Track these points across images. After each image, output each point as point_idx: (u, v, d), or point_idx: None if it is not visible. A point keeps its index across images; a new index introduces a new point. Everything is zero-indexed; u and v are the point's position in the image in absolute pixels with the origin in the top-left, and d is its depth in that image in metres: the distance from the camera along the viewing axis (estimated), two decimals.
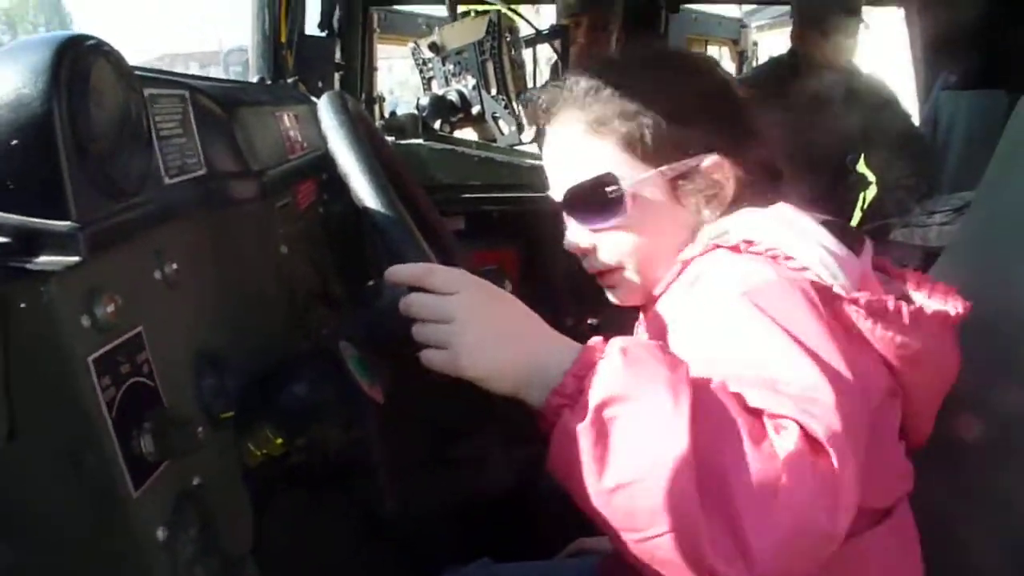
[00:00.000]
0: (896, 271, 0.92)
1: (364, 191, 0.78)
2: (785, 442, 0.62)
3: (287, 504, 0.91)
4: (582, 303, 1.86)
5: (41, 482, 0.58)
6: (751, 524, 0.60)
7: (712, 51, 4.07)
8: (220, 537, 0.69)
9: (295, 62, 1.68)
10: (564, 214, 0.93)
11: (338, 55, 2.30)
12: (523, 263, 1.90)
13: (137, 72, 0.68)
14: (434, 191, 1.64)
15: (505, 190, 1.86)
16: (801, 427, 0.63)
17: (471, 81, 2.13)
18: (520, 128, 2.11)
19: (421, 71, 2.24)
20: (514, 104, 2.13)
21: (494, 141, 2.13)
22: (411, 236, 0.77)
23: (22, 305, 0.54)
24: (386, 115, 2.56)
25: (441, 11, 2.42)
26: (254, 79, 1.59)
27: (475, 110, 2.12)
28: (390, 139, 1.81)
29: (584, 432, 0.65)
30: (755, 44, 4.50)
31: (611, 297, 0.96)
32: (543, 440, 0.70)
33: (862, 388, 0.70)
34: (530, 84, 2.29)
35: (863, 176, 2.75)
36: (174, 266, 0.69)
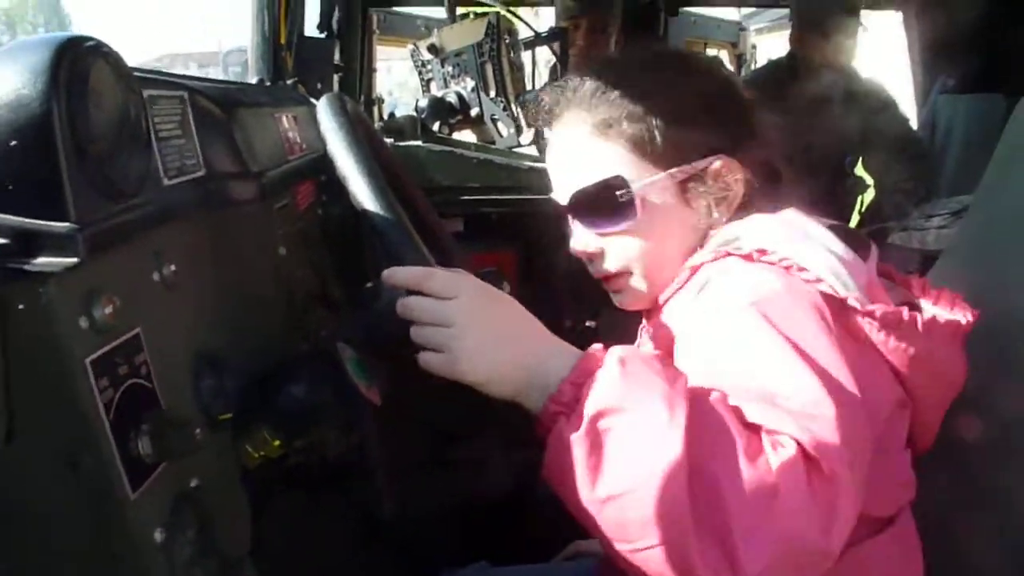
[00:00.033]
0: (900, 277, 0.91)
1: (363, 193, 0.78)
2: (781, 458, 0.62)
3: (285, 506, 0.91)
4: (581, 305, 1.86)
5: (39, 483, 0.57)
6: (741, 539, 0.60)
7: (710, 54, 4.07)
8: (218, 539, 0.69)
9: (294, 63, 1.68)
10: (569, 218, 0.91)
11: (337, 57, 2.30)
12: (522, 265, 1.90)
13: (136, 73, 0.68)
14: (433, 193, 1.64)
15: (504, 192, 1.86)
16: (798, 443, 0.63)
17: (470, 83, 2.13)
18: (519, 130, 2.11)
19: (420, 73, 2.24)
20: (513, 106, 2.13)
21: (493, 143, 2.13)
22: (410, 238, 0.77)
23: (20, 306, 0.54)
24: (385, 117, 2.56)
25: (440, 13, 2.42)
26: (253, 80, 1.59)
27: (474, 112, 2.13)
28: (389, 141, 1.81)
29: (578, 442, 0.65)
30: (754, 47, 4.50)
31: (617, 302, 0.94)
32: (540, 444, 0.70)
33: (870, 401, 0.70)
34: (529, 86, 2.29)
35: (861, 179, 2.75)
36: (172, 267, 0.68)
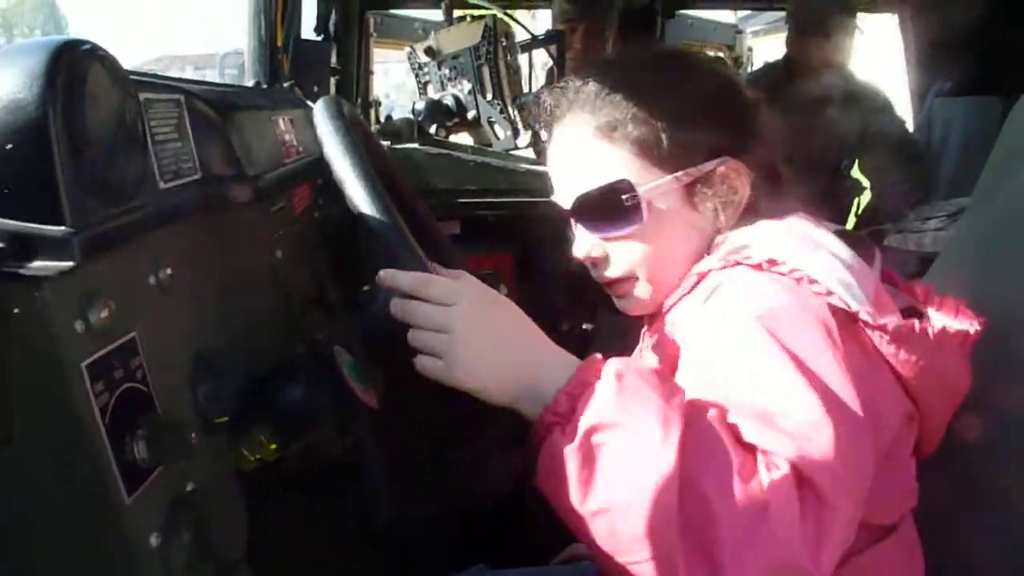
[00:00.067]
0: (903, 282, 0.91)
1: (359, 197, 0.78)
2: (773, 479, 0.62)
3: (282, 509, 0.91)
4: (578, 308, 1.86)
5: (35, 487, 0.57)
6: (730, 558, 0.60)
7: None
8: (214, 543, 0.69)
9: (291, 66, 1.69)
10: (572, 222, 0.90)
11: (334, 59, 2.31)
12: (518, 268, 1.90)
13: (132, 76, 0.68)
14: (430, 196, 1.65)
15: (501, 195, 1.87)
16: (793, 465, 0.63)
17: (467, 86, 2.13)
18: (515, 133, 2.11)
19: (417, 75, 2.24)
20: (510, 109, 2.13)
21: (489, 146, 2.13)
22: (406, 241, 0.77)
23: (15, 311, 0.54)
24: (382, 119, 2.56)
25: (437, 16, 2.42)
26: (250, 83, 1.59)
27: (471, 115, 2.13)
28: (386, 143, 1.81)
29: (571, 454, 0.65)
30: (750, 50, 4.50)
31: (620, 307, 0.93)
32: (535, 450, 0.70)
33: (878, 416, 0.70)
34: (525, 89, 2.30)
35: (858, 181, 2.76)
36: (169, 271, 0.68)
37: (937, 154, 2.62)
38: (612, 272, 0.89)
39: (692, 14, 3.63)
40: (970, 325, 0.82)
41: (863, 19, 2.63)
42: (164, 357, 0.66)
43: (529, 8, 3.46)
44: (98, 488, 0.57)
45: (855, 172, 2.73)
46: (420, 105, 2.12)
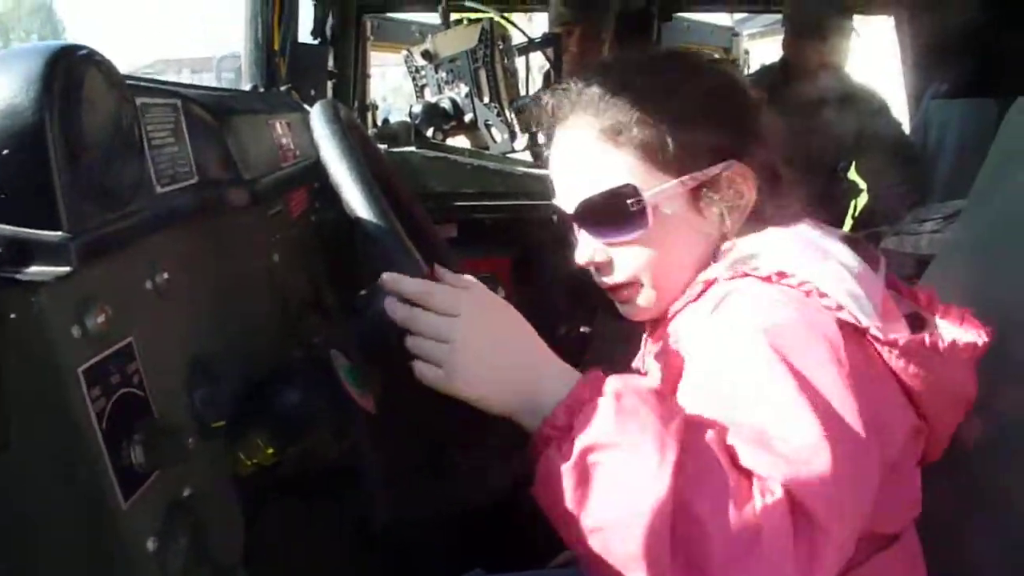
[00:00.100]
0: (906, 288, 0.90)
1: (356, 201, 0.78)
2: (767, 505, 0.62)
3: (279, 514, 0.91)
4: (576, 311, 1.86)
5: (33, 492, 0.57)
6: None
7: None
8: (211, 547, 0.68)
9: (288, 70, 1.69)
10: (575, 226, 0.88)
11: (331, 63, 2.31)
12: (516, 271, 1.91)
13: (129, 81, 0.68)
14: (427, 199, 1.65)
15: (498, 198, 1.87)
16: (787, 490, 0.63)
17: (464, 89, 2.13)
18: (512, 136, 2.12)
19: (414, 79, 2.24)
20: (507, 112, 2.14)
21: (487, 149, 2.13)
22: (403, 245, 0.77)
23: (12, 316, 0.54)
24: (379, 122, 2.56)
25: (434, 19, 2.43)
26: (247, 87, 1.59)
27: (468, 118, 2.13)
28: (383, 147, 1.81)
29: (567, 472, 0.66)
30: (747, 52, 4.52)
31: (623, 312, 0.92)
32: (532, 460, 0.71)
33: (885, 431, 0.70)
34: (522, 92, 2.30)
35: (854, 183, 2.76)
36: (165, 275, 0.68)
37: (933, 156, 2.63)
38: (616, 277, 0.88)
39: (688, 17, 3.64)
40: (978, 336, 0.82)
41: (859, 21, 2.63)
42: (161, 362, 0.66)
43: (526, 11, 3.46)
44: (95, 493, 0.57)
45: (852, 174, 2.74)
46: (417, 108, 2.13)
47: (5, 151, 0.54)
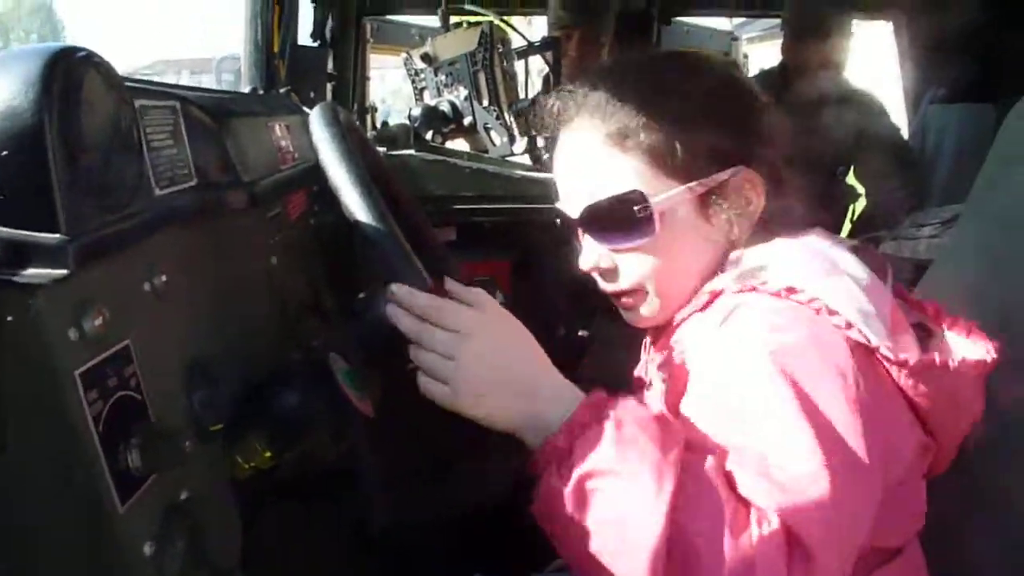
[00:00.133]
0: (912, 299, 0.88)
1: (355, 204, 0.78)
2: (763, 535, 0.62)
3: (276, 517, 0.91)
4: (574, 314, 1.86)
5: (30, 496, 0.57)
6: None
7: None
8: (208, 551, 0.68)
9: (287, 72, 1.69)
10: (579, 231, 0.87)
11: (330, 65, 2.31)
12: (515, 274, 1.90)
13: (128, 83, 0.68)
14: (426, 202, 1.64)
15: (497, 201, 1.86)
16: (783, 520, 0.63)
17: (463, 92, 2.13)
18: (512, 139, 2.11)
19: (413, 82, 2.24)
20: (506, 115, 2.13)
21: (486, 152, 2.13)
22: (401, 249, 0.76)
23: (9, 318, 0.54)
24: (378, 125, 2.56)
25: (434, 22, 2.43)
26: (246, 89, 1.59)
27: (467, 121, 2.12)
28: (382, 150, 1.81)
29: (567, 496, 0.67)
30: (746, 56, 4.52)
31: (627, 319, 0.90)
32: (535, 477, 0.71)
33: (889, 449, 0.70)
34: (522, 95, 2.30)
35: (853, 188, 2.77)
36: (163, 278, 0.68)
37: (931, 161, 2.63)
38: (620, 284, 0.86)
39: (687, 21, 3.64)
40: (987, 353, 0.80)
41: (858, 26, 2.64)
42: (158, 364, 0.66)
43: (525, 15, 3.47)
44: (92, 497, 0.57)
45: (850, 178, 2.74)
46: (416, 111, 2.12)
47: (4, 152, 0.54)
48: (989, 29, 2.40)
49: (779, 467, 0.65)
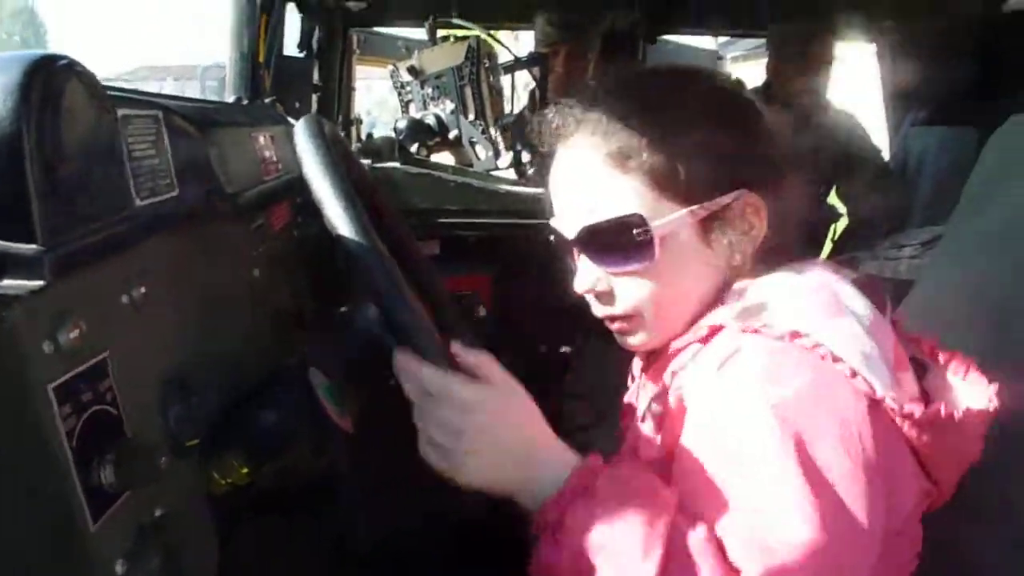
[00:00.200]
0: (906, 334, 0.86)
1: (339, 219, 0.77)
2: None
3: (254, 533, 0.89)
4: (556, 331, 1.85)
5: (1, 512, 0.56)
6: None
7: None
8: (184, 568, 0.67)
9: (273, 82, 1.68)
10: (575, 251, 0.84)
11: (316, 76, 2.30)
12: (497, 289, 1.90)
13: (110, 92, 0.67)
14: (409, 215, 1.64)
15: (481, 215, 1.86)
16: None
17: (449, 105, 2.13)
18: (497, 154, 2.11)
19: (399, 94, 2.24)
20: (491, 129, 2.14)
21: (470, 166, 2.13)
22: (384, 265, 0.75)
23: None
24: (363, 136, 2.56)
25: (421, 35, 2.43)
26: (231, 99, 1.58)
27: (452, 134, 2.12)
28: (366, 162, 1.81)
29: (560, 568, 0.69)
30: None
31: (622, 343, 0.88)
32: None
33: (890, 496, 0.69)
34: (508, 110, 2.30)
35: (834, 207, 2.79)
36: (143, 290, 0.67)
37: (912, 182, 2.66)
38: (616, 309, 0.84)
39: (673, 39, 3.67)
40: (989, 402, 0.78)
41: (841, 47, 2.66)
42: (136, 378, 0.65)
43: (512, 30, 3.48)
44: (62, 514, 0.55)
45: (832, 198, 2.76)
46: (402, 124, 2.12)
47: None
48: (969, 58, 2.43)
49: (771, 530, 0.64)
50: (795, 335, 0.71)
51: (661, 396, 0.80)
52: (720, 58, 4.36)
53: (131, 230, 0.66)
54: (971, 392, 0.81)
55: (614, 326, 0.86)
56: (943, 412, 0.73)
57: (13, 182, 0.53)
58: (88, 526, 0.56)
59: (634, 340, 0.86)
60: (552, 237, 0.87)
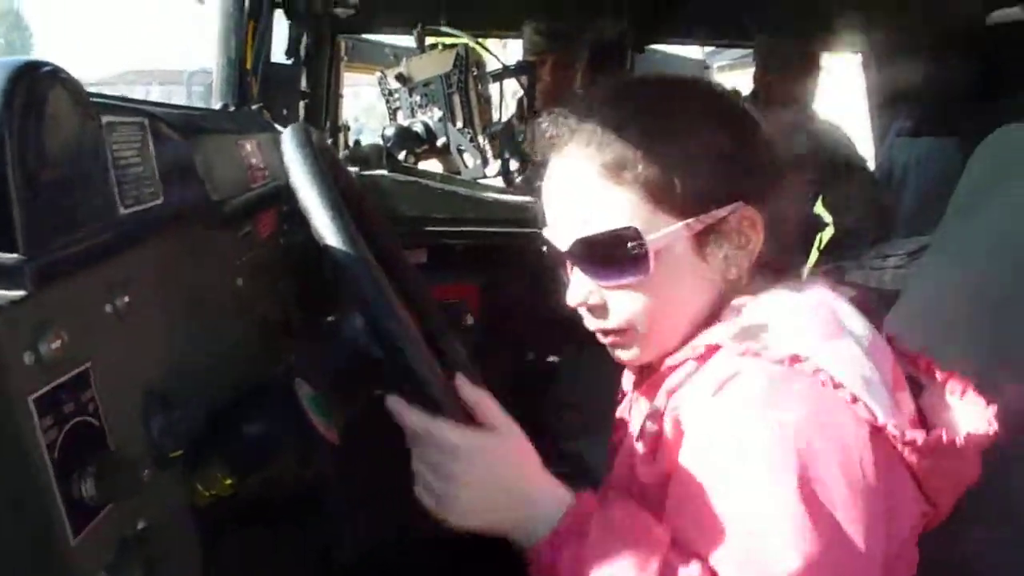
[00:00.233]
0: (905, 352, 0.86)
1: (326, 229, 0.76)
2: None
3: (238, 545, 0.88)
4: (543, 339, 1.85)
5: None
6: None
7: None
8: None
9: (260, 89, 1.67)
10: (568, 264, 0.83)
11: (304, 82, 2.29)
12: (485, 297, 1.89)
13: (95, 99, 0.66)
14: (397, 223, 1.63)
15: (468, 224, 1.86)
16: None
17: (437, 113, 2.13)
18: (484, 161, 2.11)
19: (387, 101, 2.23)
20: (479, 137, 2.14)
21: (458, 174, 2.13)
22: (371, 274, 0.75)
23: None
24: (351, 143, 2.55)
25: (409, 42, 2.43)
26: (217, 105, 1.57)
27: (440, 142, 2.12)
28: (354, 169, 1.80)
29: None
30: None
31: (615, 356, 0.86)
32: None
33: (890, 521, 0.69)
34: (496, 118, 2.30)
35: (819, 217, 2.80)
36: (126, 299, 0.66)
37: (897, 192, 2.68)
38: (610, 323, 0.82)
39: (661, 48, 3.68)
40: (988, 426, 0.77)
41: (828, 57, 2.68)
42: (119, 389, 0.64)
43: (501, 38, 3.48)
44: (43, 527, 0.54)
45: (817, 207, 2.77)
46: (390, 131, 2.11)
47: None
48: (953, 69, 2.45)
49: (765, 562, 0.64)
50: (795, 359, 0.70)
51: (656, 416, 0.79)
52: (707, 67, 4.38)
53: (115, 238, 0.65)
54: (969, 413, 0.80)
55: (607, 340, 0.85)
56: (945, 439, 0.72)
57: None
58: (69, 539, 0.55)
59: (627, 354, 0.84)
60: (544, 248, 0.85)
